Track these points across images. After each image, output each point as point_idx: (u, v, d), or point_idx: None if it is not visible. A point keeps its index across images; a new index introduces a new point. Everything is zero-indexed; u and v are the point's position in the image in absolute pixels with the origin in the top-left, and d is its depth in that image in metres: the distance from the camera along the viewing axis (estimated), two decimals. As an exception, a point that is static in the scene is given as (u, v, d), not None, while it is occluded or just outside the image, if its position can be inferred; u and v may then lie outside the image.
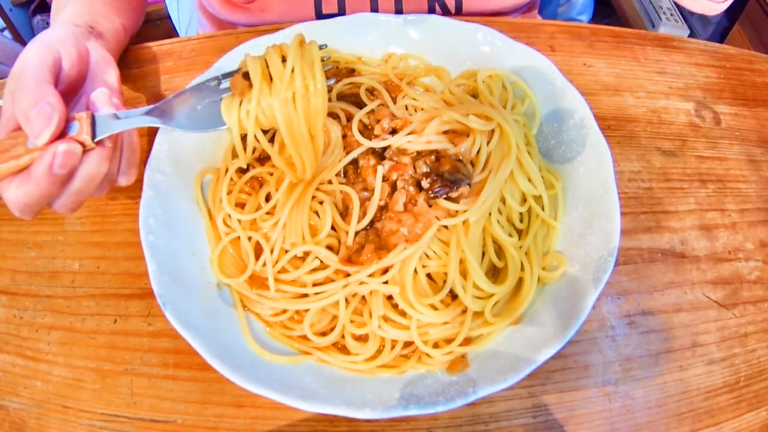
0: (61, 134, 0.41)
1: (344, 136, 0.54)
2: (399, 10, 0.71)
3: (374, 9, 0.70)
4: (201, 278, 0.49)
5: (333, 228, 0.50)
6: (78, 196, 0.43)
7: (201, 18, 0.85)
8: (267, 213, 0.51)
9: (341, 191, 0.51)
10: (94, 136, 0.42)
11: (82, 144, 0.41)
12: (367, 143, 0.52)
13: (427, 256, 0.48)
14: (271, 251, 0.49)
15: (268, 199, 0.52)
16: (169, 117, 0.46)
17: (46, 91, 0.40)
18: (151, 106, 0.46)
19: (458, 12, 0.72)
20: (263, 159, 0.56)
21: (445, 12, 0.72)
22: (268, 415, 0.46)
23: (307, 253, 0.49)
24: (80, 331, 0.50)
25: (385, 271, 0.47)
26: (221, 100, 0.46)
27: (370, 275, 0.46)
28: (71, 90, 0.47)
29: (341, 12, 0.70)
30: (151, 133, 0.52)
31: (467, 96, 0.58)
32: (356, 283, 0.47)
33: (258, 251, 0.50)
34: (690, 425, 0.47)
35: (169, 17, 1.15)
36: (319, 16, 0.70)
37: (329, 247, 0.49)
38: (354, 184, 0.51)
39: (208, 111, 0.47)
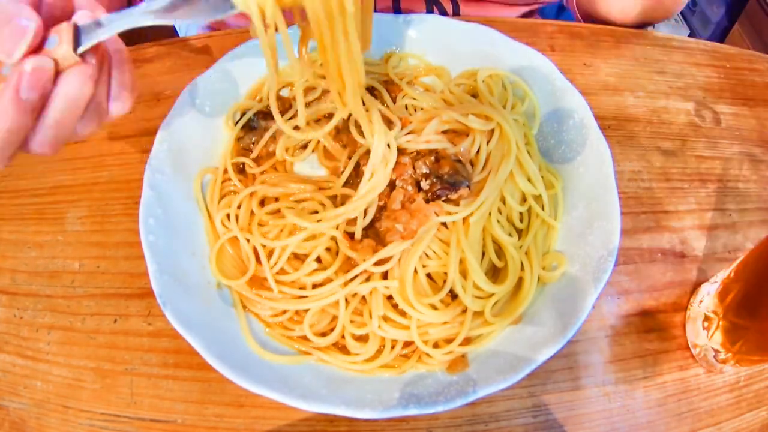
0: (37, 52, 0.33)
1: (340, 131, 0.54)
2: (397, 10, 0.71)
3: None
4: (201, 278, 0.49)
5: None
6: (57, 128, 0.35)
7: None
8: (269, 214, 0.51)
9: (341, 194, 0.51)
10: (76, 47, 0.34)
11: (56, 61, 0.34)
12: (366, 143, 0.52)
13: (427, 255, 0.48)
14: (272, 252, 0.49)
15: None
16: (166, 10, 0.36)
17: (21, 8, 0.33)
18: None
19: (456, 15, 0.72)
20: (260, 159, 0.56)
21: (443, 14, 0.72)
22: (268, 415, 0.46)
23: (306, 255, 0.49)
24: (80, 331, 0.50)
25: (385, 275, 0.47)
26: None
27: (368, 278, 0.47)
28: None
29: None
30: (150, 132, 0.52)
31: (467, 96, 0.58)
32: (356, 284, 0.47)
33: (257, 252, 0.50)
34: (690, 425, 0.47)
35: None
36: None
37: (328, 249, 0.50)
38: (354, 184, 0.51)
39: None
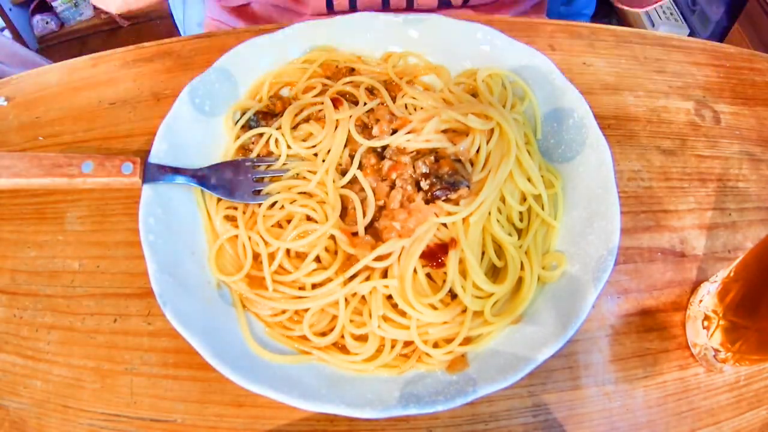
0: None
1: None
2: (410, 4, 0.71)
3: (386, 3, 0.70)
4: (201, 277, 0.49)
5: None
6: None
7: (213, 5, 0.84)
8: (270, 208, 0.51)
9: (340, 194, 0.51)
10: (144, 181, 0.49)
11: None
12: (366, 143, 0.52)
13: (427, 255, 0.48)
14: (274, 252, 0.49)
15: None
16: (209, 184, 0.52)
17: None
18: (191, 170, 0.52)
19: (466, 2, 0.72)
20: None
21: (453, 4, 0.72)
22: (268, 415, 0.46)
23: (306, 254, 0.49)
24: (80, 331, 0.50)
25: (385, 274, 0.47)
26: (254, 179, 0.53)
27: (368, 277, 0.47)
28: None
29: (353, 7, 0.71)
30: (150, 132, 0.52)
31: (467, 95, 0.58)
32: (356, 283, 0.47)
33: (257, 253, 0.50)
34: (690, 424, 0.47)
35: (171, 16, 1.15)
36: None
37: (327, 249, 0.49)
38: (353, 184, 0.52)
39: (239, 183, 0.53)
